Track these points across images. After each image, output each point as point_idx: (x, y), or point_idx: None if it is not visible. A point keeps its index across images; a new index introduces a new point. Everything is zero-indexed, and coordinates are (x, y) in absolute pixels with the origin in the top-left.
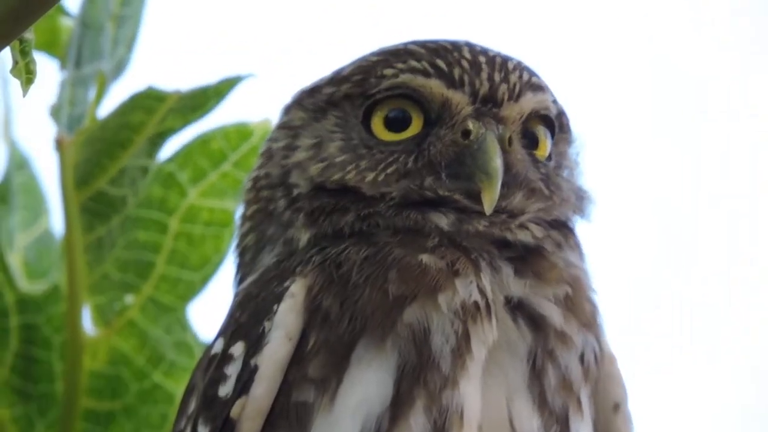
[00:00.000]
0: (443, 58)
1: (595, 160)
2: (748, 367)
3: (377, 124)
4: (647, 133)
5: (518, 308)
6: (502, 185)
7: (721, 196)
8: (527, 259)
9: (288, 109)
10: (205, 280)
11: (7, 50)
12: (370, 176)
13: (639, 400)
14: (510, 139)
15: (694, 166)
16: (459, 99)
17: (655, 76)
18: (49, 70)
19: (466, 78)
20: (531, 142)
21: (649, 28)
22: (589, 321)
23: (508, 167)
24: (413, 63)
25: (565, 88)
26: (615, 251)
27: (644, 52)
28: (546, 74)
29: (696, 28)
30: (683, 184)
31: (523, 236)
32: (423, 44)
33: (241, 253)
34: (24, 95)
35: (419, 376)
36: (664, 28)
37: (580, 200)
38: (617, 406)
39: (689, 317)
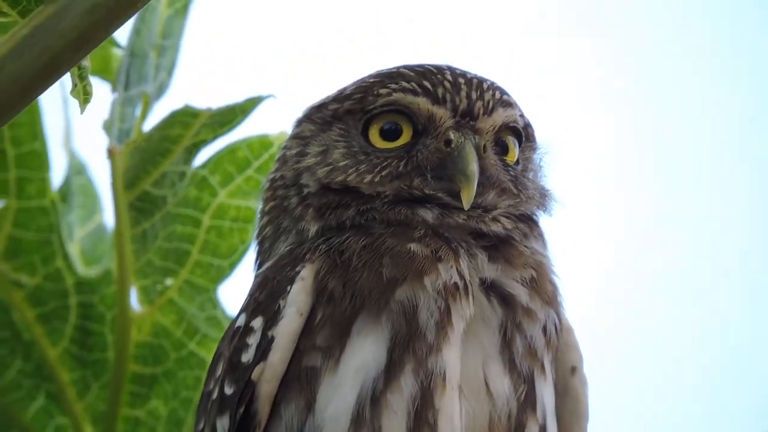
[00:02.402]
0: (429, 79)
1: None
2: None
3: (374, 135)
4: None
5: (491, 288)
6: (478, 185)
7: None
8: (499, 247)
9: (299, 122)
10: (232, 266)
11: (67, 75)
12: (368, 178)
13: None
14: (484, 147)
15: None
16: (442, 113)
17: None
18: (102, 92)
19: (448, 96)
20: (502, 149)
21: None
22: (550, 299)
23: (482, 170)
24: (404, 84)
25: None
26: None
27: None
28: (516, 92)
29: None
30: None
31: (495, 228)
32: (412, 68)
33: (261, 242)
34: (81, 113)
35: (408, 345)
36: None
37: (543, 198)
38: (574, 369)
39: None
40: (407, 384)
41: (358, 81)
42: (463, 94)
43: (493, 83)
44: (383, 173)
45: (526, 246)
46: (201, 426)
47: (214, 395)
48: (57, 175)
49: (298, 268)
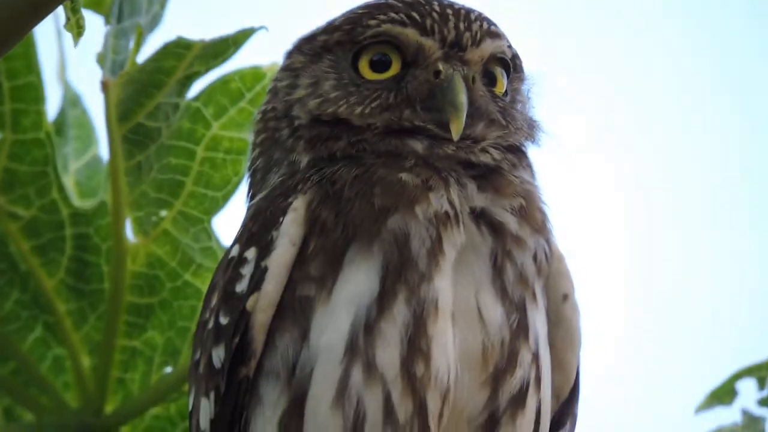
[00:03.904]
0: (417, 10)
1: None
2: None
3: (363, 66)
4: None
5: (481, 217)
6: (467, 116)
7: None
8: (488, 177)
9: (290, 54)
10: (226, 198)
11: (61, 8)
12: (358, 109)
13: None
14: (473, 78)
15: None
16: (430, 45)
17: None
18: (95, 25)
19: (436, 27)
20: (490, 80)
21: None
22: (539, 227)
23: (471, 101)
24: (393, 15)
25: None
26: None
27: None
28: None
29: None
30: None
31: (485, 158)
32: None
33: (253, 173)
34: (75, 45)
35: (401, 274)
36: None
37: (531, 129)
38: (566, 297)
39: None
40: (400, 312)
41: (347, 12)
42: (451, 25)
43: (480, 14)
44: (373, 105)
45: (515, 176)
46: (197, 356)
47: (210, 325)
48: (52, 107)
49: (290, 199)
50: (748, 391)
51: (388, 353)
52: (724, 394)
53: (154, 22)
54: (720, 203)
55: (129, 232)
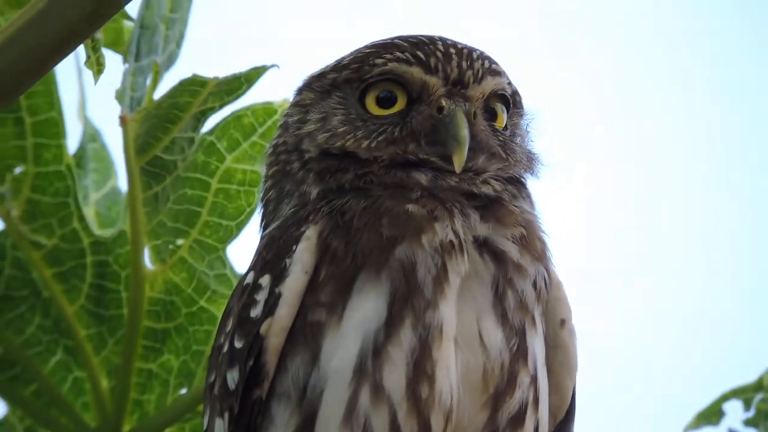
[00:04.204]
0: (422, 50)
1: None
2: None
3: (370, 102)
4: None
5: (484, 245)
6: (469, 150)
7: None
8: (490, 207)
9: (300, 91)
10: (239, 227)
11: (82, 47)
12: (365, 143)
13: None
14: (474, 113)
15: None
16: (434, 82)
17: None
18: (114, 63)
19: (440, 66)
20: (491, 115)
21: None
22: (539, 255)
23: (473, 136)
24: (398, 54)
25: None
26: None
27: None
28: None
29: None
30: None
31: (486, 189)
32: (406, 38)
33: (265, 204)
34: (95, 83)
35: (407, 301)
36: None
37: (530, 161)
38: (563, 322)
39: None
40: (406, 337)
41: (355, 51)
42: (454, 63)
43: (482, 53)
44: (379, 139)
45: (515, 206)
46: (212, 378)
47: (225, 349)
48: (73, 141)
49: (302, 229)
50: (734, 412)
51: (395, 376)
52: (711, 415)
53: (170, 60)
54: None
55: (147, 260)
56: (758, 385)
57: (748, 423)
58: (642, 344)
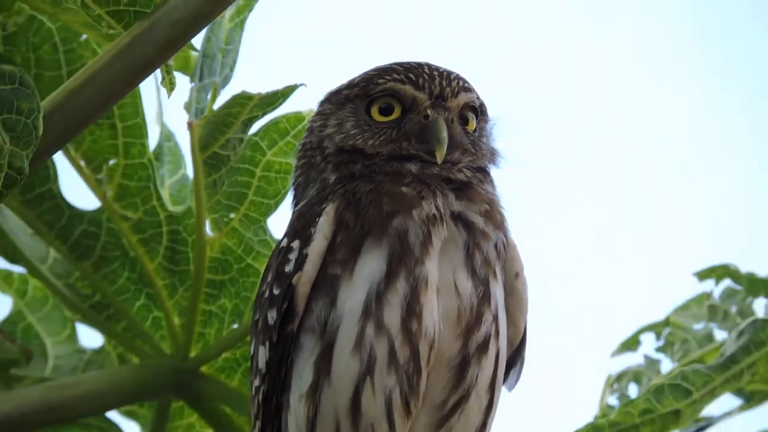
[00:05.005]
0: (413, 72)
1: None
2: None
3: (374, 112)
4: None
5: (458, 218)
6: (447, 147)
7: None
8: (463, 189)
9: (322, 103)
10: (277, 204)
11: (158, 70)
12: (370, 142)
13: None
14: (452, 120)
15: None
16: (422, 97)
17: None
18: (183, 83)
19: (426, 84)
20: (464, 121)
21: None
22: (499, 225)
23: (450, 136)
24: (395, 76)
25: None
26: None
27: None
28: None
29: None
30: None
31: (460, 176)
32: (401, 64)
33: (296, 188)
34: (168, 97)
35: (402, 259)
36: None
37: (493, 156)
38: (517, 275)
39: None
40: (401, 286)
41: (363, 74)
42: (437, 82)
43: (458, 75)
44: (381, 139)
45: (482, 189)
46: (257, 316)
47: (266, 295)
48: (153, 141)
49: (323, 206)
50: (648, 341)
51: (393, 315)
52: (631, 344)
53: (226, 80)
54: None
55: (208, 229)
56: (666, 322)
57: (659, 350)
58: (594, 295)
